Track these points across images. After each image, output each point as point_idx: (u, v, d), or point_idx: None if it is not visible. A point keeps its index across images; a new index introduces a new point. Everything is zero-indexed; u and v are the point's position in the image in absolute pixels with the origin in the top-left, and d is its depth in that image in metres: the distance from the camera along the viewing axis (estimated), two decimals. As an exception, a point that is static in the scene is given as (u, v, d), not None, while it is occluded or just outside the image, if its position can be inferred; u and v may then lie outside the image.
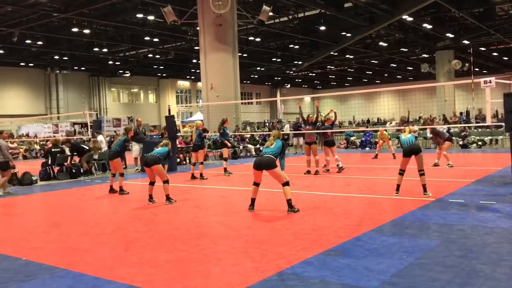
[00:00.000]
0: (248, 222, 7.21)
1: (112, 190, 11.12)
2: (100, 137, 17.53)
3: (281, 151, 7.97)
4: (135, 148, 16.85)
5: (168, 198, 9.26)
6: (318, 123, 13.55)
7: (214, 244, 5.97)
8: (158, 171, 9.22)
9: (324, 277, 4.52)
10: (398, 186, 8.90)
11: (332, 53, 39.37)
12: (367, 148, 23.56)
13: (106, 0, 23.95)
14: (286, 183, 7.76)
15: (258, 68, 49.15)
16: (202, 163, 13.54)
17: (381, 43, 38.78)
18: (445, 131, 14.61)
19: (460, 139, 21.30)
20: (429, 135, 19.04)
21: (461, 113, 30.19)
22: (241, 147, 22.21)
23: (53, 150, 15.24)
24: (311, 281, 4.43)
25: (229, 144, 14.90)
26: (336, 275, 4.55)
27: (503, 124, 21.08)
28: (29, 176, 14.02)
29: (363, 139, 24.42)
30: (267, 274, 4.65)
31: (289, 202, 7.71)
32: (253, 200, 8.09)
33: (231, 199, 9.71)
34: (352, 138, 25.60)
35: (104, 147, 17.13)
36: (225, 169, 14.10)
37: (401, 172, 8.85)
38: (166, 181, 9.28)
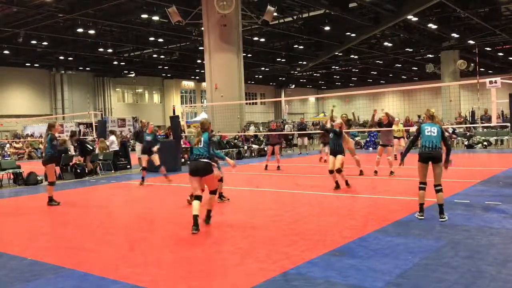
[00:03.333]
0: (253, 222, 7.20)
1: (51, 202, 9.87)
2: (112, 137, 17.52)
3: (209, 145, 6.81)
4: (139, 148, 16.87)
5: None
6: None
7: (218, 244, 5.98)
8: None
9: (329, 277, 4.51)
10: (421, 205, 6.89)
11: (336, 53, 39.36)
12: (370, 149, 23.49)
13: (111, 1, 24.02)
14: (214, 191, 7.07)
15: (263, 68, 49.16)
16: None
17: (386, 43, 38.72)
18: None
19: (465, 139, 21.22)
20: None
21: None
22: (245, 147, 22.20)
23: None
24: (316, 281, 4.43)
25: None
26: (341, 275, 4.54)
27: (509, 124, 21.08)
28: (35, 176, 14.07)
29: (368, 139, 24.33)
30: (272, 274, 4.64)
31: (208, 212, 7.03)
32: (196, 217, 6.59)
33: (235, 199, 9.70)
34: (357, 139, 25.51)
35: (115, 147, 17.14)
36: None
37: (422, 187, 6.88)
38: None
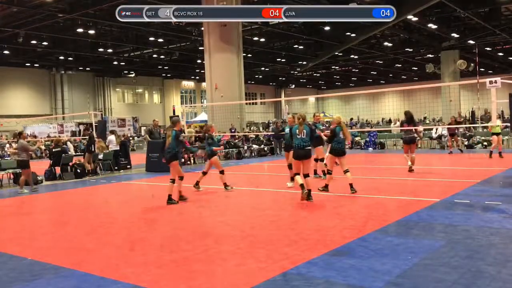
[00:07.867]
0: (252, 222, 7.21)
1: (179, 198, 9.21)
2: (111, 137, 17.48)
3: (311, 137, 8.45)
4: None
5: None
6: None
7: (218, 244, 5.98)
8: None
9: (328, 277, 4.51)
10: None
11: (336, 53, 39.34)
12: (370, 149, 23.48)
13: (111, 1, 24.01)
14: (308, 175, 8.49)
15: (263, 69, 49.14)
16: (322, 159, 11.54)
17: (386, 43, 38.70)
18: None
19: (465, 139, 21.23)
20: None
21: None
22: (245, 147, 22.19)
23: (54, 150, 15.27)
24: (316, 281, 4.43)
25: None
26: (341, 275, 4.54)
27: (509, 124, 21.08)
28: (35, 176, 14.06)
29: (367, 139, 24.33)
30: (272, 274, 4.64)
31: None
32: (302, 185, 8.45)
33: (235, 199, 9.71)
34: (356, 139, 25.52)
35: (114, 147, 17.07)
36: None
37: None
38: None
